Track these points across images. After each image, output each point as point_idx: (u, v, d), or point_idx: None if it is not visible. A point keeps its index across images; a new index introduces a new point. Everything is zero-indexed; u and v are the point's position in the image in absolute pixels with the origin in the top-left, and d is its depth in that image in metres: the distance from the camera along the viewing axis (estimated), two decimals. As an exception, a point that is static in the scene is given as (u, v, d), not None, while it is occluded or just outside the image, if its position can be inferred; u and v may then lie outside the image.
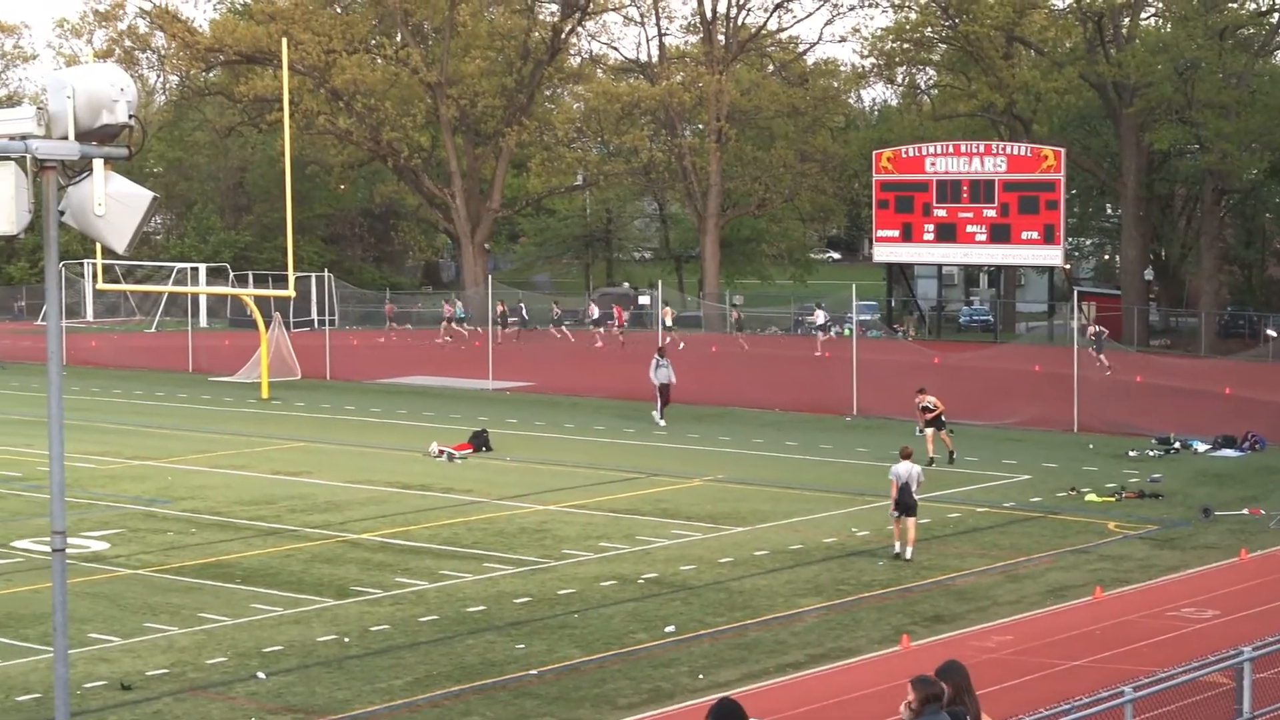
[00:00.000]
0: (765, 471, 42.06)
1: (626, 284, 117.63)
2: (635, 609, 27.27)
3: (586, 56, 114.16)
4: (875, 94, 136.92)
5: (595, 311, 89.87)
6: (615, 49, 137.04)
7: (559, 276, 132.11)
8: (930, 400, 43.02)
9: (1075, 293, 63.28)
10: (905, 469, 31.38)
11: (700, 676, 23.20)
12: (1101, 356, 64.00)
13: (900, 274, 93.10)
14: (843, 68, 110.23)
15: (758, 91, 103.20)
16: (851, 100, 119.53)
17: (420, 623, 26.26)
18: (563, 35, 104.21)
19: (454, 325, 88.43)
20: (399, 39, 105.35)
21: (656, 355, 53.20)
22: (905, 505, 31.24)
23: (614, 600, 27.86)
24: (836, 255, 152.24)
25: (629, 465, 43.17)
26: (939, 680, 13.30)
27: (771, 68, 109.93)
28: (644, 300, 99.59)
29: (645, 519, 35.32)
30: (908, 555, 31.14)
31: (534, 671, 23.46)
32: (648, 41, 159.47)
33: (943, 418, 43.29)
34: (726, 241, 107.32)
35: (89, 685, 22.57)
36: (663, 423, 51.38)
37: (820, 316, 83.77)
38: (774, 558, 31.36)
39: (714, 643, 25.10)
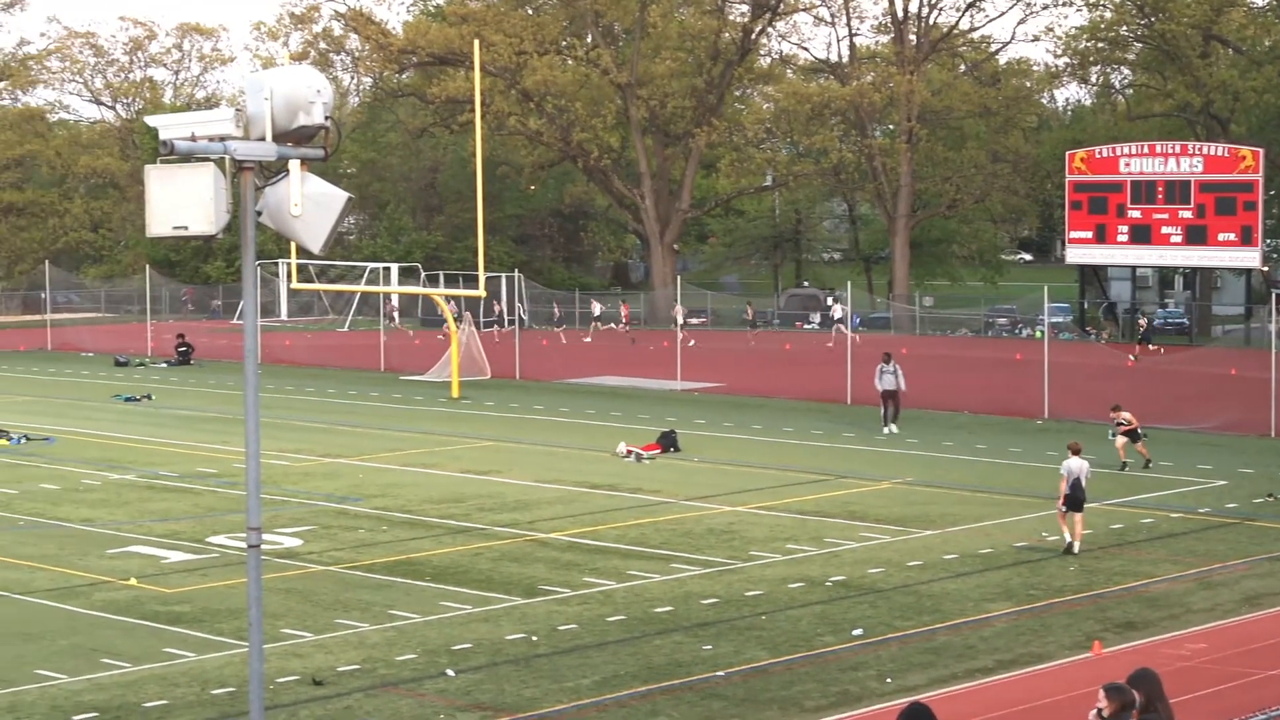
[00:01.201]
0: (954, 474, 41.70)
1: (806, 282, 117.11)
2: (823, 611, 27.14)
3: (776, 57, 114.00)
4: (1069, 94, 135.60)
5: (597, 308, 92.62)
6: (805, 49, 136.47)
7: (747, 278, 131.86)
8: (1125, 416, 42.48)
9: (1274, 295, 62.04)
10: (1076, 464, 31.84)
11: (888, 680, 23.04)
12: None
13: (1093, 276, 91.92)
14: (1036, 67, 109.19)
15: (949, 91, 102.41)
16: (1044, 100, 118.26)
17: (608, 622, 26.32)
18: (753, 36, 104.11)
19: (601, 325, 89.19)
20: (590, 40, 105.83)
21: (882, 362, 51.17)
22: (1074, 500, 31.63)
23: (801, 602, 27.75)
24: (1028, 257, 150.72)
25: (817, 467, 42.99)
26: (1131, 688, 13.11)
27: (963, 67, 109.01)
28: (835, 311, 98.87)
29: (833, 521, 35.15)
30: (1076, 549, 31.36)
31: (721, 673, 23.41)
32: (838, 41, 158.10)
33: (1138, 431, 42.70)
34: (916, 242, 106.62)
35: (282, 680, 22.85)
36: (889, 430, 49.63)
37: (837, 311, 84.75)
38: (963, 561, 31.09)
39: (902, 646, 24.92)
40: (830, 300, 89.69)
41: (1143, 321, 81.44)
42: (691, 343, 73.85)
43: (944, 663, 24.04)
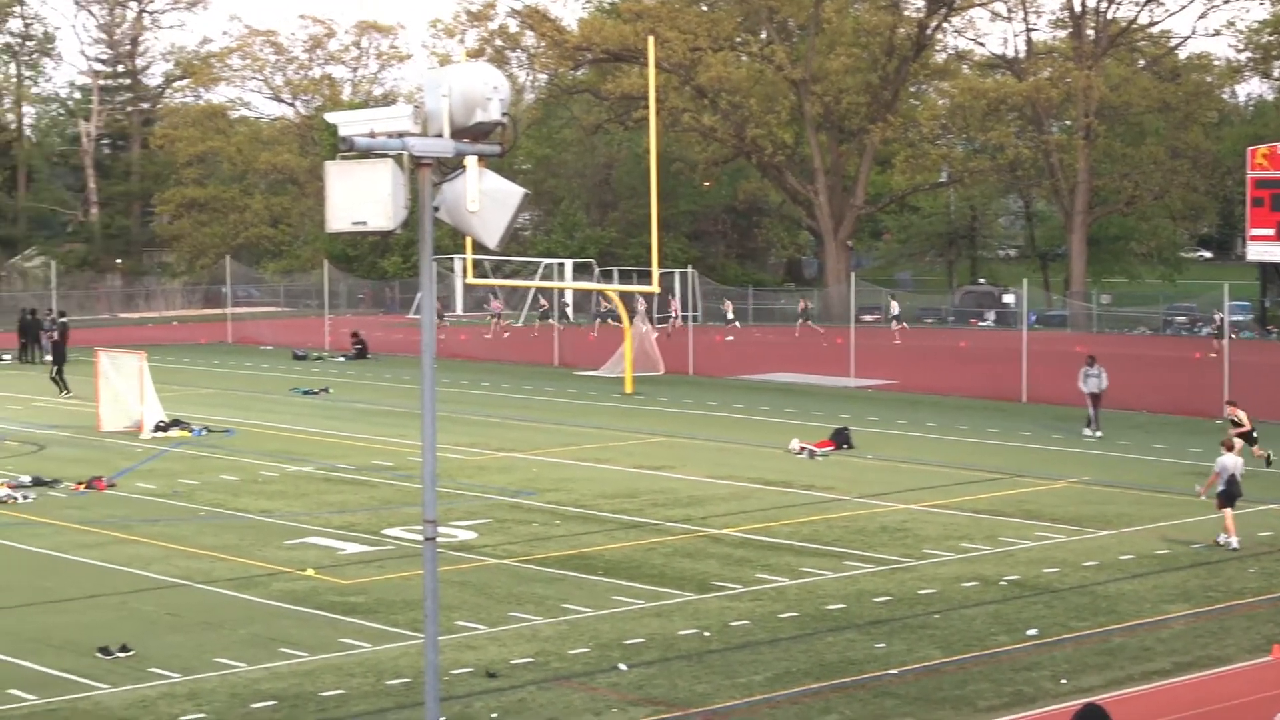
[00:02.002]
0: (1132, 474, 41.21)
1: (983, 280, 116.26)
2: (997, 611, 26.94)
3: (952, 52, 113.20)
4: (1250, 89, 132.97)
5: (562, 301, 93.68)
6: (981, 44, 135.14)
7: (922, 274, 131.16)
8: (1240, 415, 40.88)
9: None
10: (1231, 461, 32.44)
11: (1063, 681, 22.82)
12: None
13: (1275, 274, 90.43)
14: (1216, 62, 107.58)
15: (1127, 87, 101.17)
16: (1225, 95, 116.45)
17: (780, 619, 26.29)
18: (928, 31, 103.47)
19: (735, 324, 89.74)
20: (764, 36, 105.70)
21: (1086, 364, 49.76)
22: (1230, 496, 31.93)
23: (975, 601, 27.57)
24: (1208, 254, 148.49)
25: (992, 466, 42.67)
26: None
27: (1142, 62, 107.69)
28: (1008, 299, 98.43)
29: (1008, 520, 34.87)
30: (1234, 545, 31.52)
31: (894, 671, 23.32)
32: (1014, 37, 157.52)
33: (1254, 433, 41.20)
34: (1093, 239, 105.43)
35: (456, 672, 23.04)
36: (1093, 434, 48.31)
37: (895, 307, 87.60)
38: (1139, 562, 30.72)
39: (1077, 647, 24.67)
40: (889, 296, 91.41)
41: None
42: (729, 337, 73.93)
43: (1119, 664, 23.79)
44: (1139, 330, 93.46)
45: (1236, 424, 40.64)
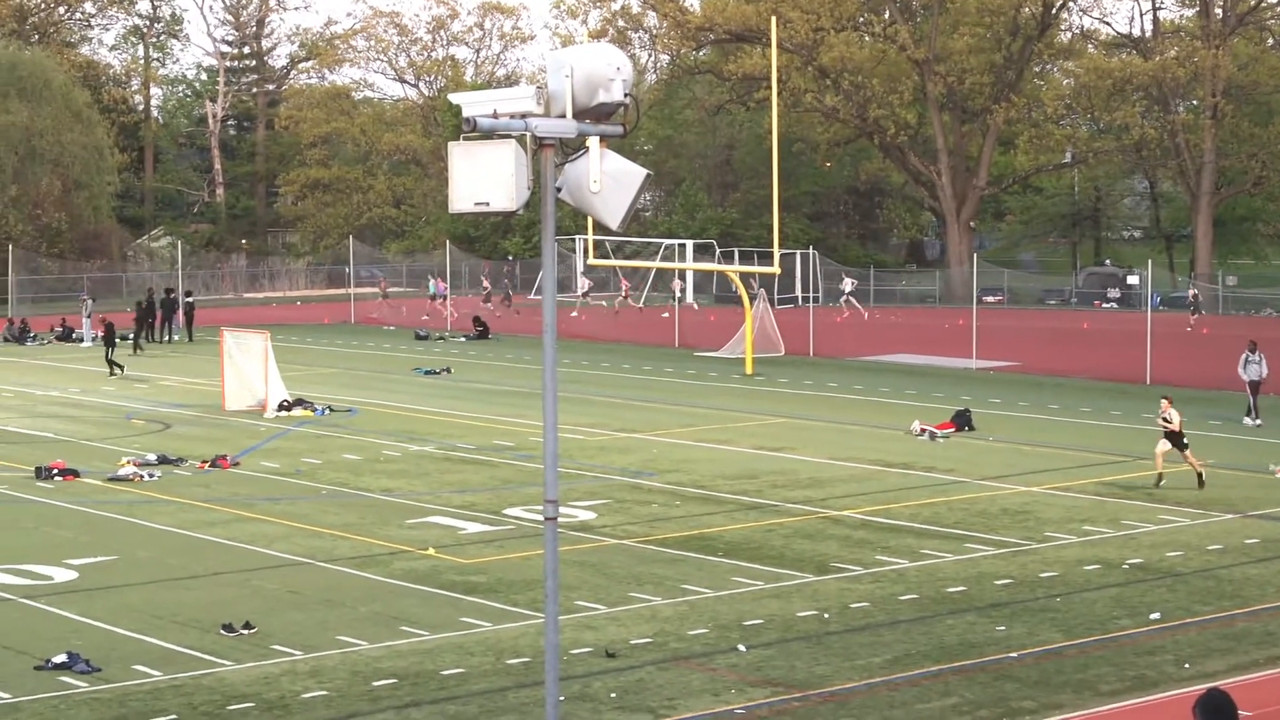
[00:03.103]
0: (1258, 457, 40.74)
1: (1109, 261, 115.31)
2: (1119, 594, 26.73)
3: (1077, 32, 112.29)
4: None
5: (849, 284, 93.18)
6: (1107, 24, 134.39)
7: (1045, 255, 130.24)
8: (1172, 413, 36.24)
9: None
10: None
11: (1186, 666, 22.63)
12: None
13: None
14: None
15: (1256, 66, 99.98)
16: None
17: (900, 601, 26.20)
18: (1054, 10, 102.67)
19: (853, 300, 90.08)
20: (887, 16, 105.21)
21: (1247, 350, 48.56)
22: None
23: (1097, 585, 27.36)
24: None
25: (1115, 448, 42.31)
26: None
27: (1271, 41, 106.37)
28: (1132, 280, 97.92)
29: (1131, 503, 34.58)
30: None
31: (1014, 654, 23.19)
32: (1141, 16, 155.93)
33: (1185, 439, 36.41)
34: (1220, 220, 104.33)
35: (575, 651, 23.12)
36: (1253, 422, 47.05)
37: (848, 284, 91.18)
38: (1265, 546, 30.39)
39: (1201, 632, 24.45)
40: (843, 275, 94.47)
41: None
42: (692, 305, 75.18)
43: (1244, 649, 23.55)
44: (1266, 312, 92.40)
45: (1166, 421, 36.11)
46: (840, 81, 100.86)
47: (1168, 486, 35.81)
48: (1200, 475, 35.90)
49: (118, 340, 62.49)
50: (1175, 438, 35.98)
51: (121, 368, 60.27)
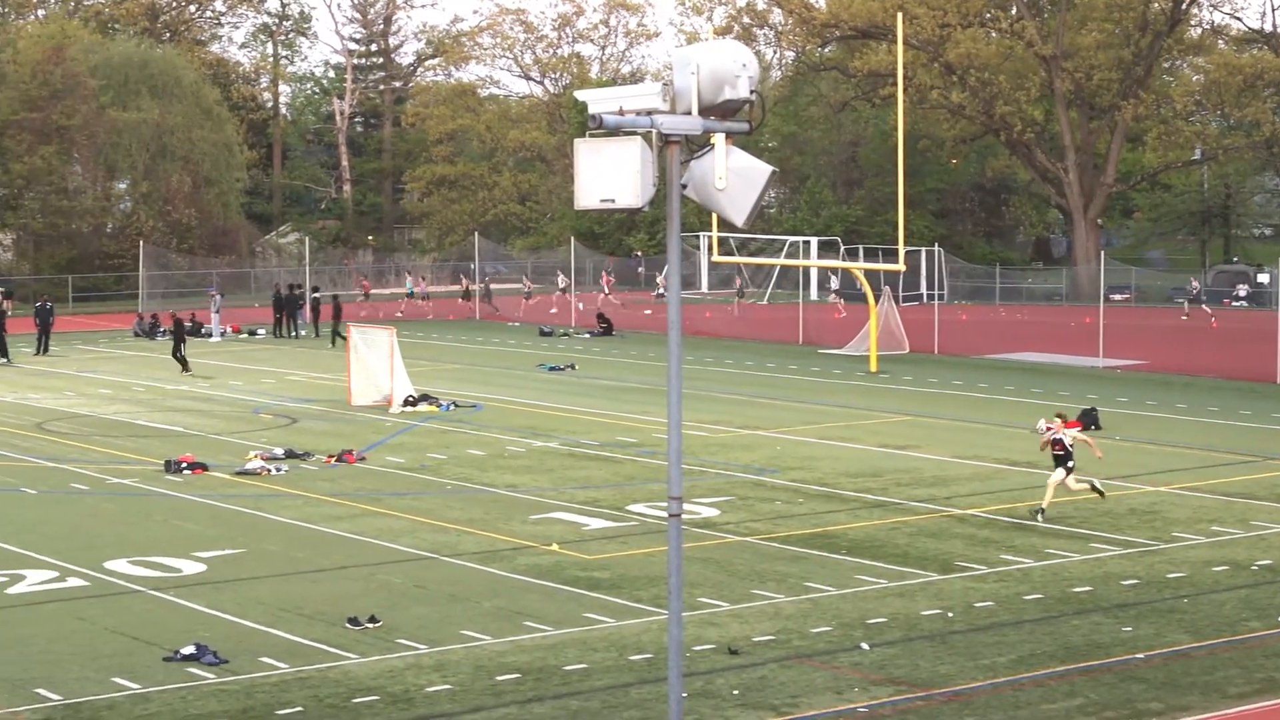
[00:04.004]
0: (1391, 459, 40.18)
1: (1236, 259, 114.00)
2: (1248, 596, 26.42)
3: (1207, 27, 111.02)
4: None
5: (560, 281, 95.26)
6: (1238, 19, 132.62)
7: (1173, 253, 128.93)
8: (1066, 434, 32.26)
9: None
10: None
11: (1317, 670, 22.36)
12: None
13: None
14: None
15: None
16: None
17: (1025, 601, 26.03)
18: (1184, 5, 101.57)
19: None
20: (1014, 12, 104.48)
21: None
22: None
23: (1226, 586, 27.06)
24: None
25: (1244, 448, 41.84)
26: None
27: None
28: (1263, 278, 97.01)
29: (1261, 504, 34.17)
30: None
31: (1141, 655, 22.98)
32: (1272, 11, 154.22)
33: (1071, 461, 32.27)
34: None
35: (698, 648, 23.11)
36: None
37: (834, 282, 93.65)
38: (1399, 550, 29.96)
39: (1332, 635, 24.14)
40: (831, 274, 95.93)
41: None
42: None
43: (1376, 653, 23.23)
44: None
45: (1057, 443, 32.27)
46: (966, 78, 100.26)
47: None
48: (1098, 490, 32.57)
49: (187, 337, 62.14)
50: (1063, 461, 31.99)
51: (186, 366, 59.89)
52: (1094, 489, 32.74)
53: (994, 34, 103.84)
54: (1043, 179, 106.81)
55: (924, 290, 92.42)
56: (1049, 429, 32.34)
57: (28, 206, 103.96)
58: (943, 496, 35.13)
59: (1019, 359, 65.73)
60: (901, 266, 58.41)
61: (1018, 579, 27.53)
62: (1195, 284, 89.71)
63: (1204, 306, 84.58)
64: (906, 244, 57.70)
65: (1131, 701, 21.02)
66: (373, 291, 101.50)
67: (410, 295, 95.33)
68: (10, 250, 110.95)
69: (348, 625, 24.34)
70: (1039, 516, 32.18)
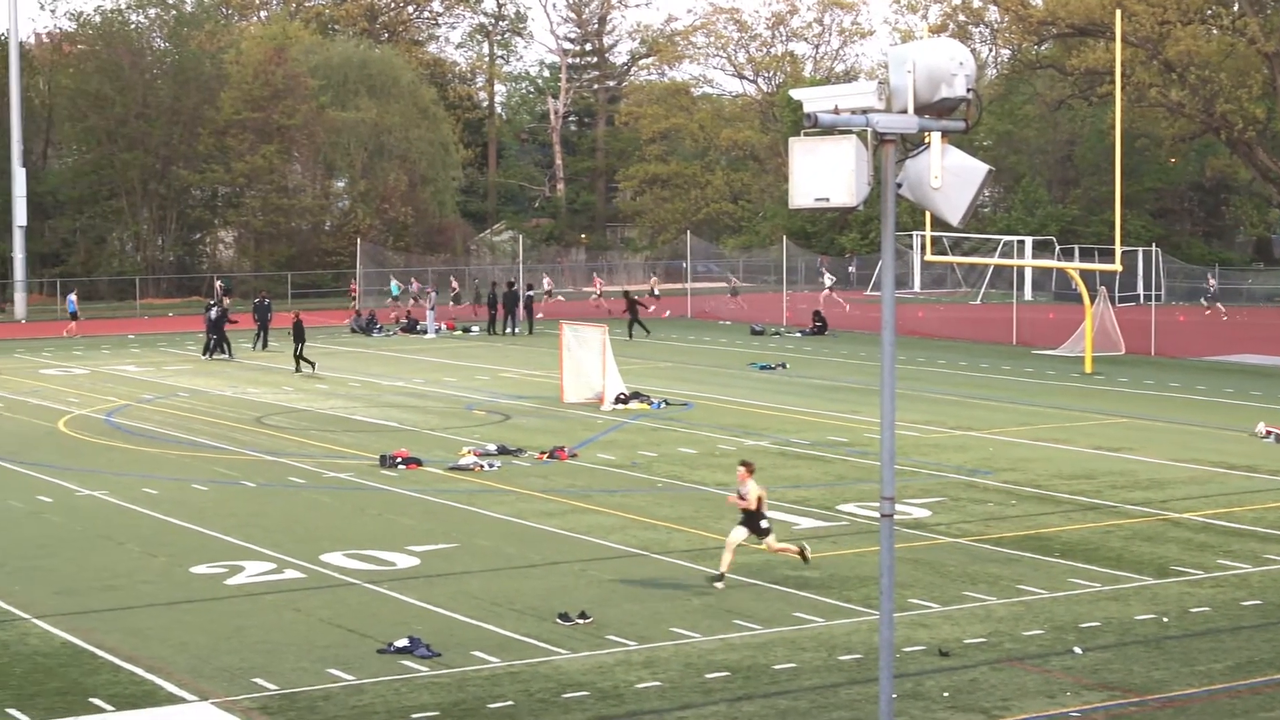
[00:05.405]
0: None
1: None
2: None
3: None
4: None
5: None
6: None
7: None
8: (749, 488, 26.87)
9: None
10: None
11: None
12: None
13: None
14: None
15: None
16: None
17: (1242, 606, 25.59)
18: None
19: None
20: (1236, 8, 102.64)
21: None
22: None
23: None
24: None
25: None
26: None
27: None
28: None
29: None
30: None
31: (1363, 665, 22.52)
32: None
33: (764, 520, 27.01)
34: None
35: (908, 649, 23.01)
36: None
37: (828, 279, 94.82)
38: None
39: None
40: (820, 268, 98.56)
41: None
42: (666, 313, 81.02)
43: None
44: None
45: (742, 498, 27.02)
46: (1186, 75, 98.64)
47: None
48: (802, 553, 27.34)
49: (306, 338, 62.58)
50: (752, 519, 26.97)
51: (312, 364, 60.39)
52: None
53: (1215, 31, 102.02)
54: (1264, 178, 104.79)
55: (1141, 290, 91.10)
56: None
57: (249, 204, 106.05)
58: (1158, 500, 34.63)
59: (1238, 361, 64.61)
60: (1118, 267, 57.68)
61: (1235, 584, 27.08)
62: None
63: None
64: (1123, 244, 56.93)
65: (1353, 712, 20.62)
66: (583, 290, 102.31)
67: (396, 299, 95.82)
68: (232, 247, 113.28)
69: (558, 621, 24.52)
70: (718, 581, 26.73)
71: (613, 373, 50.33)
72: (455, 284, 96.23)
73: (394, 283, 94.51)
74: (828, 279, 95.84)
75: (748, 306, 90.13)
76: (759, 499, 26.73)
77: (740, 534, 26.86)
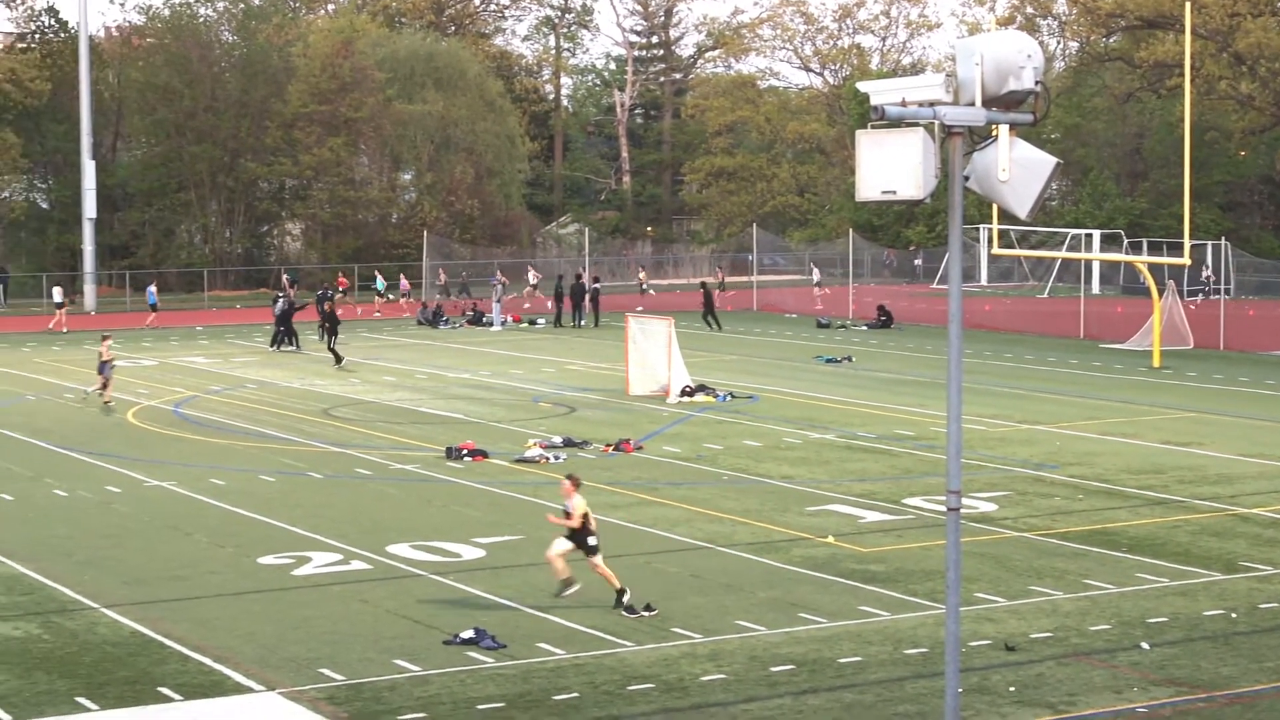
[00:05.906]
0: None
1: None
2: None
3: None
4: None
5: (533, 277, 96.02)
6: None
7: None
8: (575, 503, 25.23)
9: None
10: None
11: None
12: None
13: None
14: None
15: None
16: None
17: (1312, 603, 25.46)
18: None
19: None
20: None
21: None
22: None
23: None
24: None
25: None
26: None
27: None
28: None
29: None
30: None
31: None
32: None
33: (590, 537, 25.23)
34: None
35: (974, 643, 22.95)
36: None
37: (816, 274, 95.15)
38: None
39: None
40: (811, 263, 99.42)
41: None
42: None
43: None
44: None
45: (568, 515, 25.39)
46: (1257, 68, 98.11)
47: None
48: (620, 594, 24.94)
49: (340, 330, 62.51)
50: (577, 536, 25.28)
51: (339, 359, 60.04)
52: None
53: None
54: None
55: (1209, 284, 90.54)
56: (569, 498, 26.78)
57: (316, 197, 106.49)
58: (1227, 495, 34.43)
59: (1308, 356, 64.22)
60: (1187, 260, 57.33)
61: (1305, 581, 26.92)
62: None
63: None
64: (1192, 237, 56.61)
65: None
66: (651, 283, 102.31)
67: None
68: (299, 240, 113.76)
69: (623, 613, 24.53)
70: (566, 591, 25.67)
71: (678, 365, 50.33)
72: (533, 275, 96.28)
73: (379, 279, 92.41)
74: (815, 274, 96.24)
75: (834, 299, 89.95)
76: (584, 515, 25.08)
77: (563, 545, 25.22)
